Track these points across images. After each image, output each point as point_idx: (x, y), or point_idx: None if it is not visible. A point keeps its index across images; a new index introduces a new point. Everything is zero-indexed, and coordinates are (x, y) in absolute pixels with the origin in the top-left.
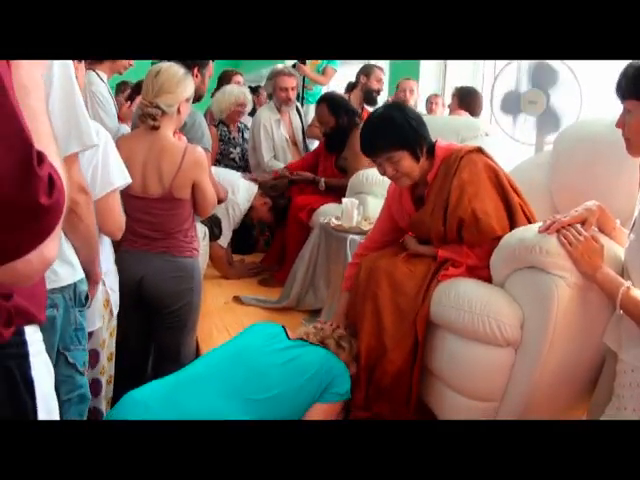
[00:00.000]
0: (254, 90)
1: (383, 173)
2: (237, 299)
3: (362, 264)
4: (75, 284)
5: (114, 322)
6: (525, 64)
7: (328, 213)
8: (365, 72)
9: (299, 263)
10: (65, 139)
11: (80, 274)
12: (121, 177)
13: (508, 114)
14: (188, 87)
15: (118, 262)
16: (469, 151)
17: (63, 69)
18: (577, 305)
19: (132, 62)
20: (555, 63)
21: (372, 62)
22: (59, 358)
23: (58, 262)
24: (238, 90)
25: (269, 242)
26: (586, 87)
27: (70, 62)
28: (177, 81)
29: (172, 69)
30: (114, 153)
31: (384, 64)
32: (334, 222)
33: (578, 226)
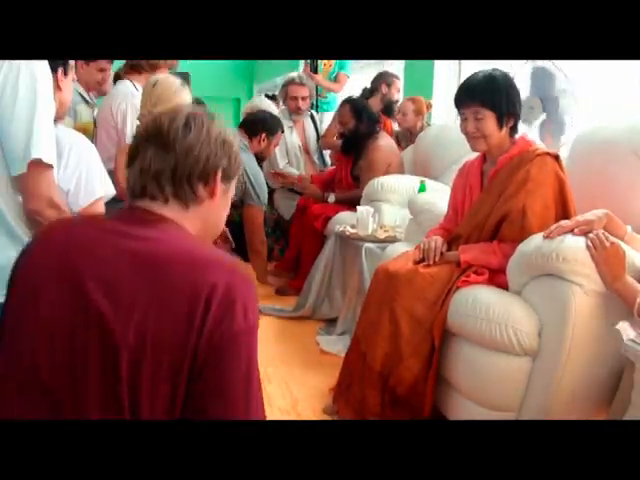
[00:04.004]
0: (273, 98)
1: (465, 130)
2: None
3: (379, 270)
4: None
5: None
6: (525, 70)
7: (343, 221)
8: (387, 81)
9: (315, 272)
10: (24, 149)
11: None
12: (103, 188)
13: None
14: (185, 97)
15: None
16: (547, 153)
17: (30, 80)
18: (595, 313)
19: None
20: (552, 69)
21: (387, 69)
22: None
23: None
24: (252, 106)
25: (284, 250)
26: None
27: (38, 74)
28: (174, 91)
29: (169, 80)
30: (97, 164)
31: (398, 66)
32: (349, 230)
33: (605, 232)
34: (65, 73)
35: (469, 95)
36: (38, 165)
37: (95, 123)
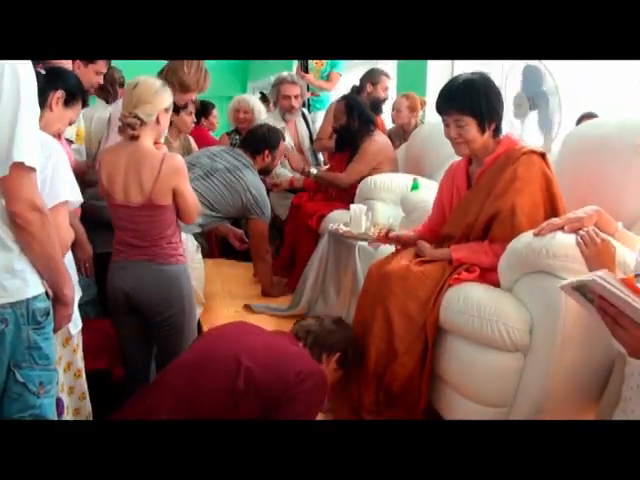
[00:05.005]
0: (266, 97)
1: (448, 135)
2: (248, 307)
3: (372, 269)
4: (28, 300)
5: (75, 340)
6: (516, 69)
7: (337, 219)
8: (372, 80)
9: (309, 270)
10: (7, 152)
11: (35, 291)
12: (68, 192)
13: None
14: (166, 98)
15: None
16: (532, 151)
17: (13, 80)
18: None
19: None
20: (541, 67)
21: (378, 67)
22: (9, 375)
23: (8, 276)
24: (238, 99)
25: (278, 249)
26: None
27: (21, 74)
28: (155, 91)
29: (149, 81)
30: (65, 167)
31: (391, 65)
32: (343, 228)
33: (596, 229)
34: (66, 102)
35: (449, 102)
36: (20, 168)
37: (108, 122)
